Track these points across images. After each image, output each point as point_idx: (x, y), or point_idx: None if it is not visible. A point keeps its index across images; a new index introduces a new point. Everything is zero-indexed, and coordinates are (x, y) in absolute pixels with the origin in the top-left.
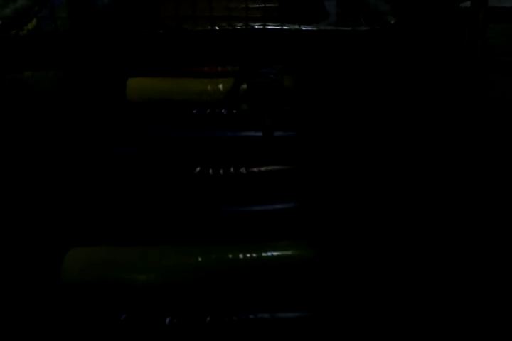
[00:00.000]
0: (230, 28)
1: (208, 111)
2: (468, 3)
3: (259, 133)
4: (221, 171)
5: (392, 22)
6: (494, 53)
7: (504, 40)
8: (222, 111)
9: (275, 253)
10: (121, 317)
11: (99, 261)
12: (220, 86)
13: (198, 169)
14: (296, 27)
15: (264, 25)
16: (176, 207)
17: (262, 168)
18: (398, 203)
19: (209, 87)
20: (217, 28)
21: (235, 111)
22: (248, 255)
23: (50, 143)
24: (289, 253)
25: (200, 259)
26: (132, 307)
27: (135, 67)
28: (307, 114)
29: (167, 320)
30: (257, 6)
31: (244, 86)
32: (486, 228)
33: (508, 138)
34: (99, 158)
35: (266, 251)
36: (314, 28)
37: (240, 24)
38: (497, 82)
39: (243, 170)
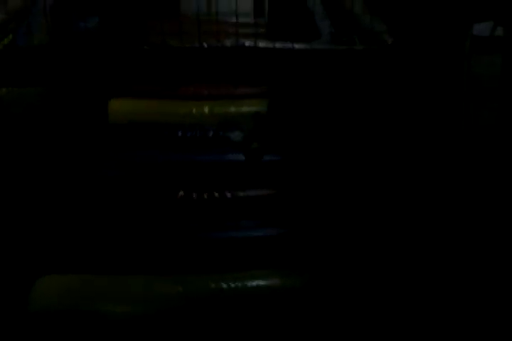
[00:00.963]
0: (219, 45)
1: (193, 134)
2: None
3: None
4: (205, 195)
5: (389, 42)
6: (480, 81)
7: (489, 69)
8: (208, 133)
9: (259, 283)
10: None
11: (71, 289)
12: (206, 109)
13: (182, 193)
14: (289, 46)
15: (255, 43)
16: (157, 234)
17: (247, 193)
18: (385, 228)
19: (194, 110)
20: (205, 45)
21: (221, 134)
22: (230, 284)
23: (26, 165)
24: (273, 282)
25: (179, 289)
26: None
27: (118, 87)
28: (291, 138)
29: None
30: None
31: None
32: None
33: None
34: (79, 181)
35: (249, 280)
36: (308, 47)
37: (229, 41)
38: (483, 109)
39: (228, 194)
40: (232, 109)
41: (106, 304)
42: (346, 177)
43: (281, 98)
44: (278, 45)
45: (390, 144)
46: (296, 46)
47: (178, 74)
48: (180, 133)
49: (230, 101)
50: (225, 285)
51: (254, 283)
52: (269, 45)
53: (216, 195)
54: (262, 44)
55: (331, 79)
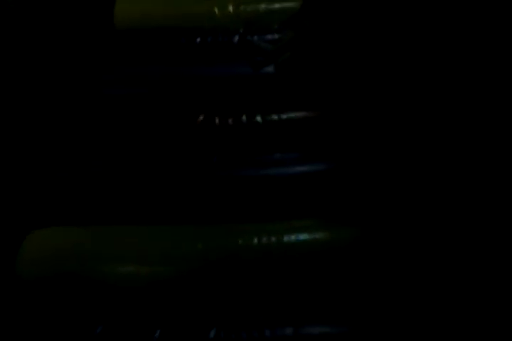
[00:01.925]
0: None
1: (215, 39)
2: None
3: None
4: (230, 121)
5: None
6: None
7: None
8: (233, 39)
9: (300, 236)
10: (96, 330)
11: (68, 246)
12: (231, 8)
13: (201, 118)
14: None
15: None
16: (171, 171)
17: (281, 117)
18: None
19: (216, 10)
20: None
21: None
22: (263, 238)
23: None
24: (317, 236)
25: (199, 245)
26: (111, 313)
27: None
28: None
29: (156, 333)
30: None
31: None
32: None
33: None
34: (78, 101)
35: (288, 233)
36: None
37: None
38: None
39: (258, 118)
40: (263, 7)
41: (113, 266)
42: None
43: None
44: None
45: None
46: None
47: None
48: (199, 40)
49: None
50: (256, 240)
51: (294, 236)
52: None
53: (244, 119)
54: None
55: None
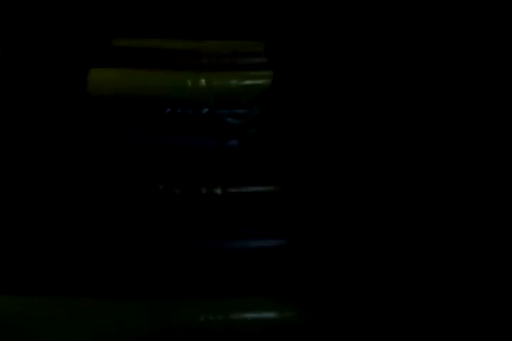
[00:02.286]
0: None
1: (185, 111)
2: None
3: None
4: (189, 191)
5: None
6: None
7: None
8: (202, 111)
9: (248, 314)
10: None
11: None
12: (203, 81)
13: (162, 186)
14: None
15: None
16: (124, 238)
17: (241, 190)
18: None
19: (189, 82)
20: None
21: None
22: (211, 315)
23: None
24: (264, 315)
25: (144, 320)
26: None
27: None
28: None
29: None
30: None
31: None
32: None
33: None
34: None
35: (235, 311)
36: None
37: None
38: None
39: (218, 191)
40: (234, 82)
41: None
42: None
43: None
44: None
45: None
46: None
47: None
48: (168, 110)
49: (233, 73)
50: (202, 317)
51: (241, 314)
52: None
53: (203, 191)
54: None
55: None
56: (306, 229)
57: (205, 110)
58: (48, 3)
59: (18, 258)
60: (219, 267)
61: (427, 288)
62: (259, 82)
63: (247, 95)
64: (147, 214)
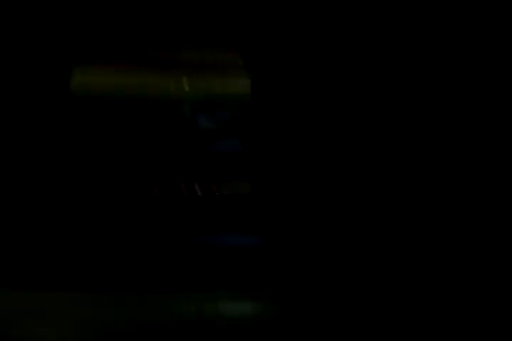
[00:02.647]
0: None
1: (166, 112)
2: None
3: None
4: (169, 189)
5: None
6: None
7: None
8: (183, 113)
9: (224, 307)
10: None
11: None
12: (185, 83)
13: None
14: None
15: None
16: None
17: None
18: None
19: (171, 84)
20: None
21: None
22: (187, 307)
23: None
24: (235, 308)
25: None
26: None
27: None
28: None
29: None
30: None
31: None
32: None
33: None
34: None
35: (213, 303)
36: None
37: None
38: None
39: (199, 191)
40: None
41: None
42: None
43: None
44: None
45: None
46: None
47: None
48: (151, 112)
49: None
50: (180, 308)
51: (218, 306)
52: None
53: (182, 188)
54: None
55: None
56: (283, 228)
57: (186, 112)
58: (36, 2)
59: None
60: (198, 263)
61: (411, 283)
62: (238, 88)
63: (227, 100)
64: (128, 212)
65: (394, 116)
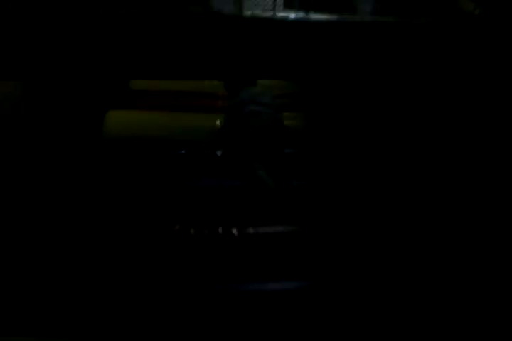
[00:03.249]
0: None
1: (201, 152)
2: None
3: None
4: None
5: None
6: None
7: None
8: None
9: None
10: None
11: None
12: (218, 123)
13: (178, 226)
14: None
15: None
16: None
17: (259, 230)
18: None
19: (205, 124)
20: None
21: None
22: None
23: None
24: None
25: None
26: None
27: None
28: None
29: None
30: None
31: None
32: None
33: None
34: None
35: None
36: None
37: None
38: None
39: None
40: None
41: None
42: None
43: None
44: None
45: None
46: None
47: None
48: (183, 151)
49: None
50: None
51: None
52: None
53: (219, 231)
54: None
55: None
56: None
57: (220, 152)
58: (69, 46)
59: None
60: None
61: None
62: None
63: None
64: (161, 251)
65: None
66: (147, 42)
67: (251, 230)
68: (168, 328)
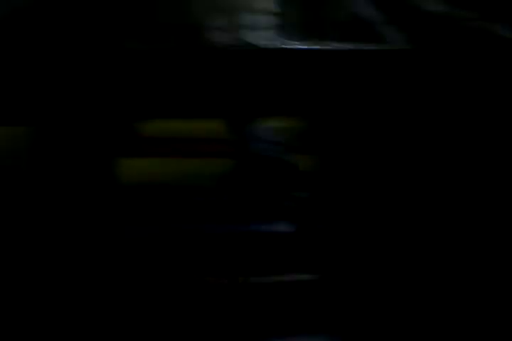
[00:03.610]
0: None
1: (213, 198)
2: None
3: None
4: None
5: None
6: None
7: None
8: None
9: None
10: None
11: None
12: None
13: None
14: None
15: None
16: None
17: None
18: None
19: (217, 169)
20: None
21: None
22: None
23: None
24: None
25: None
26: None
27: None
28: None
29: None
30: None
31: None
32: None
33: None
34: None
35: None
36: None
37: None
38: None
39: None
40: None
41: None
42: None
43: None
44: None
45: None
46: None
47: None
48: (201, 198)
49: None
50: None
51: None
52: None
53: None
54: None
55: None
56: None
57: (236, 197)
58: (77, 93)
59: None
60: None
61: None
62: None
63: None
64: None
65: None
66: (146, 84)
67: (269, 279)
68: None
